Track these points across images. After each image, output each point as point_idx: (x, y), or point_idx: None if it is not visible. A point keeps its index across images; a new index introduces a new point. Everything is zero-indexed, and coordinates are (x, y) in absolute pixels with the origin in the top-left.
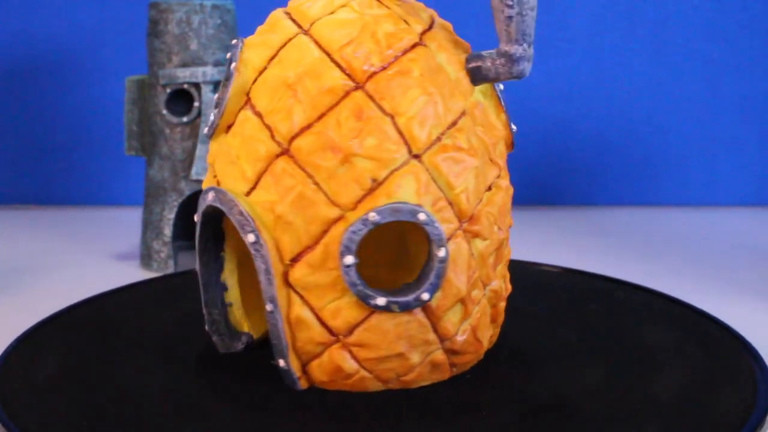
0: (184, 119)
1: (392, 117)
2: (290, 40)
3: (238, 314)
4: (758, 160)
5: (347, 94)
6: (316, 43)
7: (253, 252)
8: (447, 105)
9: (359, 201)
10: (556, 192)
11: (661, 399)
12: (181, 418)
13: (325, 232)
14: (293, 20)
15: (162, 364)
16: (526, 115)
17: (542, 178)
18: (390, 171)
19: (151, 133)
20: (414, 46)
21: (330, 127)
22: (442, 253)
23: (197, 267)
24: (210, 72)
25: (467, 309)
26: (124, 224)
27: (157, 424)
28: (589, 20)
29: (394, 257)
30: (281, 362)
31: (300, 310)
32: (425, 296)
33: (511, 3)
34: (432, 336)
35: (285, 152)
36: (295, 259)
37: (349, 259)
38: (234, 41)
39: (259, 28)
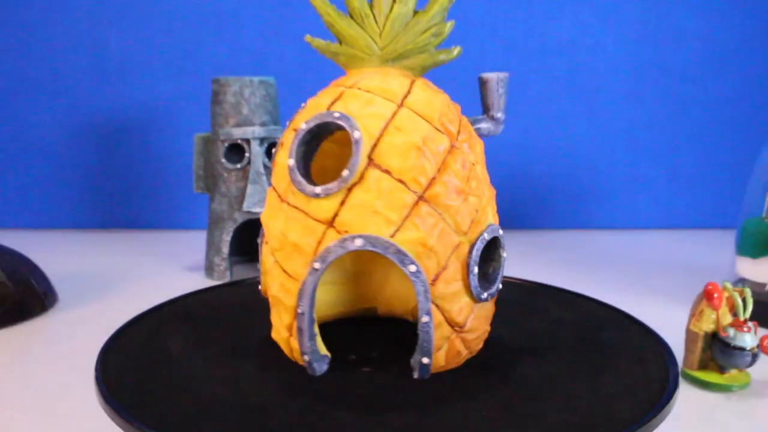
0: (238, 166)
1: (474, 164)
2: (395, 113)
3: (320, 341)
4: (667, 194)
5: (452, 150)
6: (419, 115)
7: (413, 279)
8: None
9: (470, 226)
10: (515, 218)
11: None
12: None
13: (453, 253)
14: (384, 98)
15: (229, 354)
16: (491, 160)
17: (505, 208)
18: (482, 204)
19: (212, 176)
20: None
21: (452, 176)
22: (505, 254)
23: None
24: (257, 131)
25: None
26: (193, 244)
27: (237, 405)
28: (539, 91)
29: None
30: (425, 359)
31: (439, 316)
32: (499, 286)
33: (503, 87)
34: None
35: (422, 198)
36: (435, 279)
37: (476, 269)
38: (338, 114)
39: (348, 105)
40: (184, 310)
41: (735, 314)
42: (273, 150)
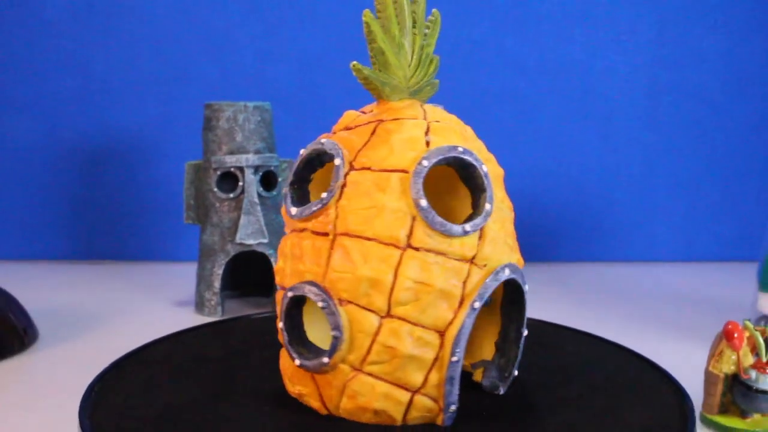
0: (231, 195)
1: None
2: (480, 148)
3: None
4: (685, 225)
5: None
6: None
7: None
8: None
9: None
10: (524, 251)
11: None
12: None
13: None
14: (467, 134)
15: (221, 398)
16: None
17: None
18: None
19: (204, 206)
20: None
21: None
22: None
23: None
24: (252, 159)
25: None
26: (182, 277)
27: None
28: (550, 116)
29: None
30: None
31: None
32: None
33: None
34: None
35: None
36: None
37: None
38: (461, 149)
39: (448, 138)
40: (174, 350)
41: (757, 355)
42: (283, 180)
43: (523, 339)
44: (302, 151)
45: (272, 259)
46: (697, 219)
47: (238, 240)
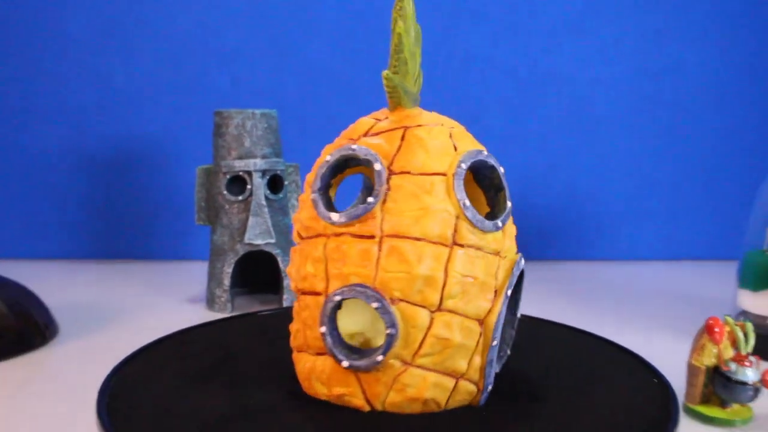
0: (239, 198)
1: None
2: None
3: None
4: (668, 226)
5: None
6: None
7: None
8: None
9: None
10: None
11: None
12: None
13: None
14: (474, 141)
15: (235, 388)
16: None
17: None
18: None
19: (214, 208)
20: None
21: None
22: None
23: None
24: (259, 163)
25: None
26: (194, 275)
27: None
28: (540, 124)
29: None
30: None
31: None
32: None
33: None
34: None
35: None
36: None
37: None
38: (486, 153)
39: (467, 145)
40: (187, 344)
41: (737, 348)
42: (291, 183)
43: (517, 321)
44: (328, 157)
45: (279, 259)
46: (679, 220)
47: (246, 240)
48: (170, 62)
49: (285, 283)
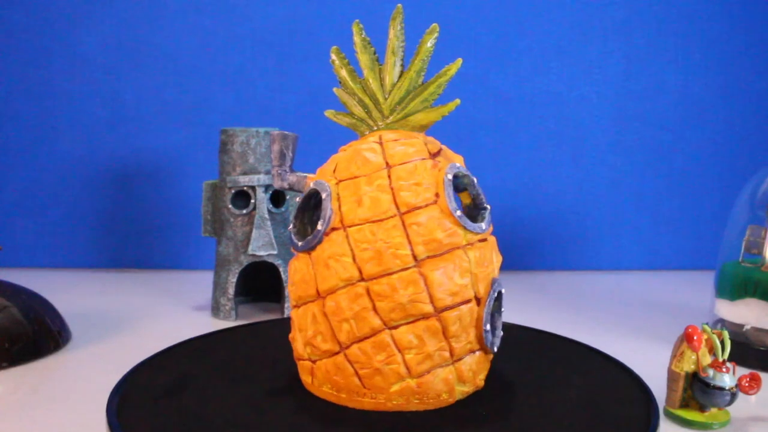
0: (244, 211)
1: None
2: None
3: None
4: (650, 237)
5: None
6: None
7: None
8: None
9: None
10: (504, 260)
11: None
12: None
13: None
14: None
15: (245, 394)
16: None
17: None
18: None
19: (220, 220)
20: None
21: None
22: None
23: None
24: (263, 179)
25: None
26: (200, 284)
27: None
28: (528, 140)
29: None
30: None
31: None
32: None
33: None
34: None
35: None
36: None
37: None
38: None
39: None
40: (195, 351)
41: (714, 355)
42: (295, 198)
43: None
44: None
45: (281, 269)
46: (659, 232)
47: (250, 251)
48: (178, 82)
49: (286, 292)
